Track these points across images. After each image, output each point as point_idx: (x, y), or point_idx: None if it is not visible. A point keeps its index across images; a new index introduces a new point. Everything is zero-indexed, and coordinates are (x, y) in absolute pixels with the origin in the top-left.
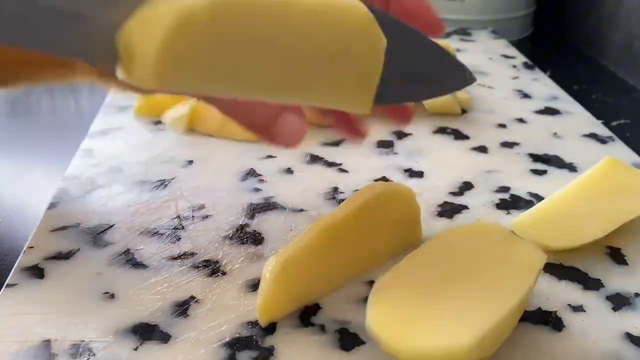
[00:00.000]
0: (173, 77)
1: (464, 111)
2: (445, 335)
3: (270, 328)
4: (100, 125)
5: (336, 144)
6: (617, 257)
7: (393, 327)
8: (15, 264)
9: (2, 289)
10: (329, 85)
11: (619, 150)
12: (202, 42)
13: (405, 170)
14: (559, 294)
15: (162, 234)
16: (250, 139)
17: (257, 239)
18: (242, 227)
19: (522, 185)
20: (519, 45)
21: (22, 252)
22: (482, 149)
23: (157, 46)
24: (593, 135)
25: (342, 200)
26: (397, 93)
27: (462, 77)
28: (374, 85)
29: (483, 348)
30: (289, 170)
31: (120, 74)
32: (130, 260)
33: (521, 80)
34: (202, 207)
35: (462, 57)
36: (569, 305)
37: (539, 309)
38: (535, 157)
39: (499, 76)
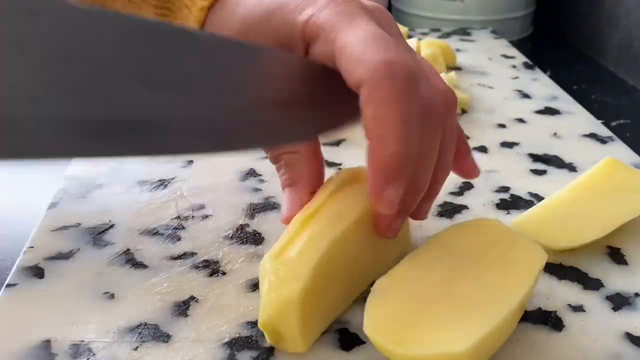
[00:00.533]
0: (311, 336)
1: (464, 111)
2: (440, 341)
3: None
4: None
5: (336, 143)
6: (617, 257)
7: (389, 333)
8: (15, 264)
9: (2, 289)
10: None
11: (619, 150)
12: (315, 304)
13: None
14: (559, 294)
15: (162, 234)
16: None
17: (257, 239)
18: (242, 227)
19: (522, 185)
20: (519, 45)
21: (22, 252)
22: (482, 149)
23: (298, 334)
24: (593, 135)
25: None
26: None
27: None
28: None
29: (480, 352)
30: None
31: (271, 341)
32: (130, 260)
33: (521, 80)
34: (202, 207)
35: (462, 57)
36: (569, 305)
37: (539, 309)
38: (535, 157)
39: (499, 76)
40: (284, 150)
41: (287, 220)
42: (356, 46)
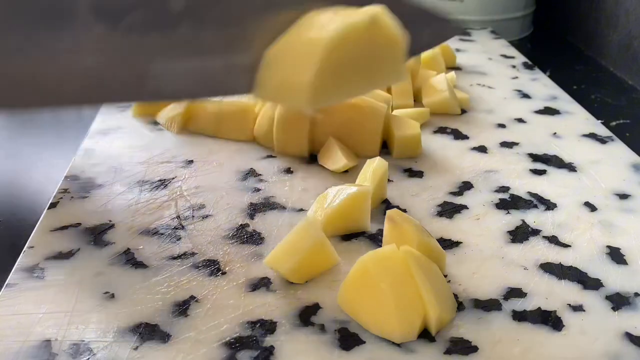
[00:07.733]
0: (321, 97)
1: (463, 111)
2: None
3: (270, 328)
4: (100, 125)
5: None
6: (617, 257)
7: None
8: (15, 264)
9: (2, 289)
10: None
11: (619, 150)
12: (330, 67)
13: (405, 170)
14: (558, 294)
15: (162, 234)
16: (247, 139)
17: (257, 238)
18: (242, 227)
19: (522, 185)
20: (519, 45)
21: (22, 252)
22: (482, 149)
23: (309, 78)
24: (592, 135)
25: None
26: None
27: (447, 27)
28: (403, 59)
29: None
30: (289, 170)
31: (259, 96)
32: (130, 260)
33: (521, 80)
34: (202, 207)
35: (461, 57)
36: (569, 304)
37: (539, 308)
38: (535, 157)
39: (499, 76)
40: None
41: None
42: None
